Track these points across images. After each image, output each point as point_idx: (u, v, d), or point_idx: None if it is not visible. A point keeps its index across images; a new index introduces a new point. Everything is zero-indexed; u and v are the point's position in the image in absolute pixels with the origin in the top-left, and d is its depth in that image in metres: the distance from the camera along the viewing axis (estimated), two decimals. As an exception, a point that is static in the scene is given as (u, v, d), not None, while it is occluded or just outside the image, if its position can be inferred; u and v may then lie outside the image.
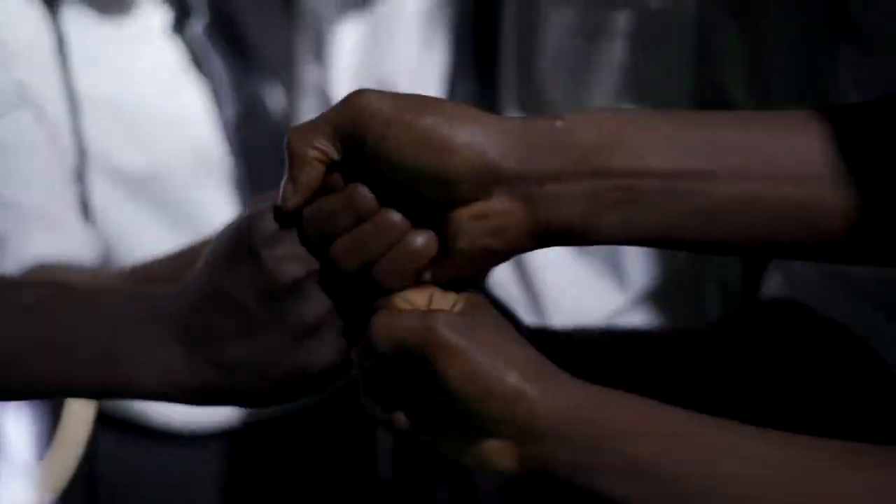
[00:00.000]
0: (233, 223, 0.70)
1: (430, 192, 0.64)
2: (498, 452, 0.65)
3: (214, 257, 0.70)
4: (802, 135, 0.63)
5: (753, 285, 0.99)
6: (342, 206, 0.66)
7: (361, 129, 0.64)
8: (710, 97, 1.00)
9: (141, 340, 0.70)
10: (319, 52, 1.16)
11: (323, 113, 0.66)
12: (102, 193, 1.16)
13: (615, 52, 1.00)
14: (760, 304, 0.90)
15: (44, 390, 0.73)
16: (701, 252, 0.64)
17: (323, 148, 0.65)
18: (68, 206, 1.14)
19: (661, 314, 1.05)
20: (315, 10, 1.15)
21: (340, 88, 1.14)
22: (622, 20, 1.00)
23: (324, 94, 1.16)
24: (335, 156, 0.66)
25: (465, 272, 0.67)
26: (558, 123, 0.64)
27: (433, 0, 1.10)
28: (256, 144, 1.18)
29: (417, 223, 0.66)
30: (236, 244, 0.69)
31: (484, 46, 1.06)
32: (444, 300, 0.67)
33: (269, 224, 0.68)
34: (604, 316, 1.05)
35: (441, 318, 0.64)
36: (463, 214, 0.65)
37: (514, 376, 0.63)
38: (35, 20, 1.14)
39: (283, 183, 0.67)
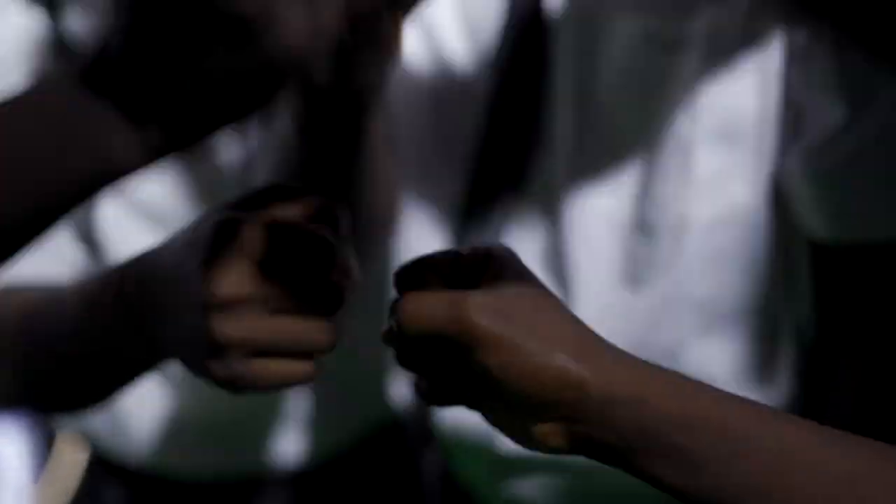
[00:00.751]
0: None
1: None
2: (546, 431, 0.62)
3: None
4: None
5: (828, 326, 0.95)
6: None
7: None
8: (791, 118, 0.92)
9: (96, 107, 0.63)
10: None
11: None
12: (107, 215, 1.07)
13: (690, 66, 0.92)
14: None
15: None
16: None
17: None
18: (64, 225, 1.05)
19: (729, 345, 0.97)
20: None
21: None
22: (699, 30, 0.92)
23: None
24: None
25: None
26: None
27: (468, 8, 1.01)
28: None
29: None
30: None
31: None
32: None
33: None
34: (668, 347, 0.98)
35: (474, 302, 0.60)
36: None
37: (560, 359, 0.60)
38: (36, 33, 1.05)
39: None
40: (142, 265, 0.74)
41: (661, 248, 0.95)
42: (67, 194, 0.66)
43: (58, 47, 1.04)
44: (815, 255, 0.94)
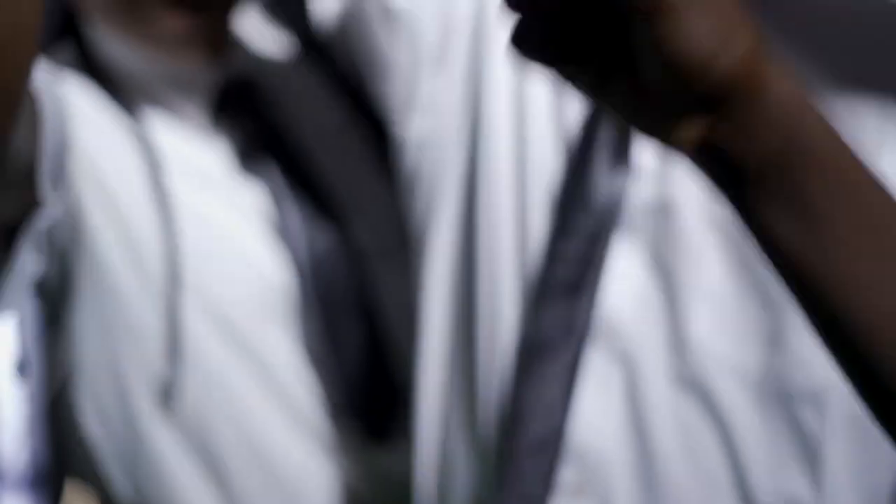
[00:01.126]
0: None
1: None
2: (687, 129, 0.55)
3: None
4: None
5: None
6: None
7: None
8: None
9: None
10: None
11: None
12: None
13: None
14: None
15: None
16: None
17: None
18: None
19: None
20: None
21: None
22: None
23: None
24: None
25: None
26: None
27: None
28: (331, 289, 1.13)
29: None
30: None
31: None
32: None
33: None
34: None
35: None
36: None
37: (749, 52, 0.53)
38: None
39: None
40: None
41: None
42: None
43: None
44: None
